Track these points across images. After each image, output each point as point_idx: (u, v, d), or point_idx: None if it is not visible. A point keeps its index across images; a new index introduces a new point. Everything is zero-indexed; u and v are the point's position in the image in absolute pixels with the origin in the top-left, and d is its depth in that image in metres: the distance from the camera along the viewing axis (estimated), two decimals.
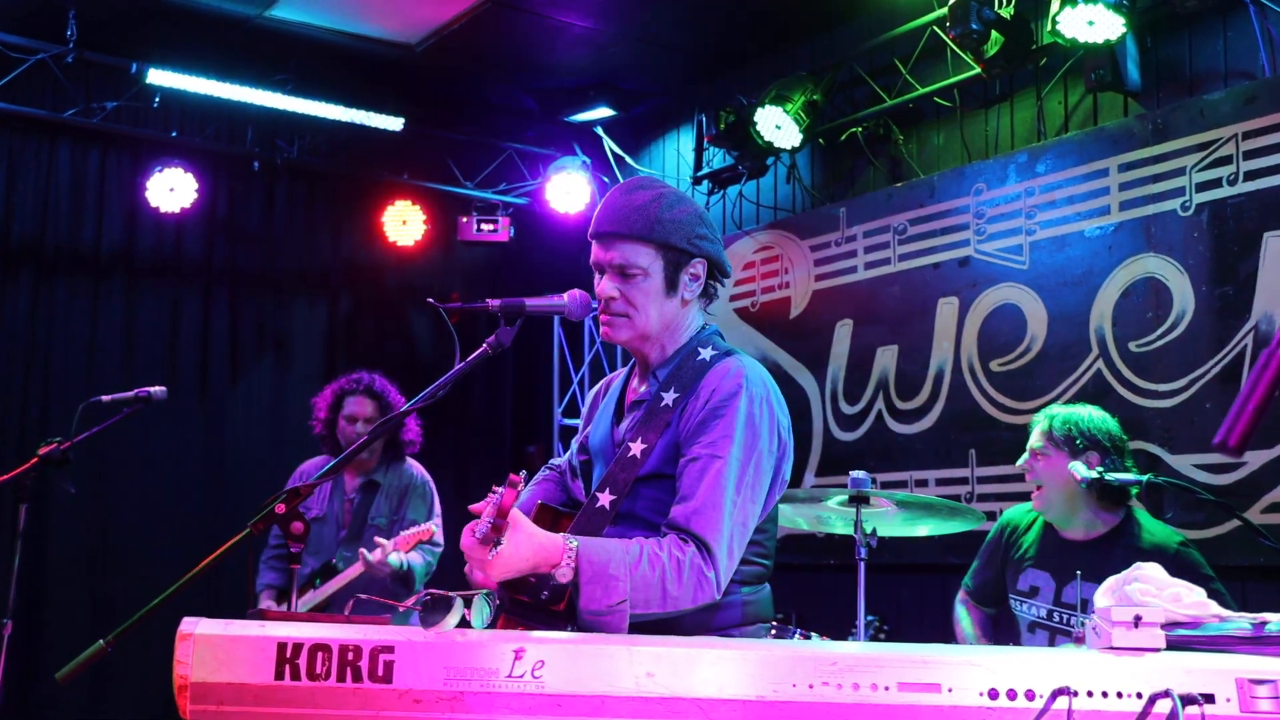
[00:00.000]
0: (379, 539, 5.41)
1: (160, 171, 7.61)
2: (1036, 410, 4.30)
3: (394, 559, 5.35)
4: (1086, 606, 3.91)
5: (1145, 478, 3.54)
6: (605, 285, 2.72)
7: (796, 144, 7.01)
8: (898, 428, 6.72)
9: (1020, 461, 4.18)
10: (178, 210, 7.69)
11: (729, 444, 2.55)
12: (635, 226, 2.69)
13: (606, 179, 8.63)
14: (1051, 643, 4.02)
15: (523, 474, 2.29)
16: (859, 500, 4.21)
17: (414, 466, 5.87)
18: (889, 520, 4.37)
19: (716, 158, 7.95)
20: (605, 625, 2.37)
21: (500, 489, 2.26)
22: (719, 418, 2.57)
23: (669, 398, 2.67)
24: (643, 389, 2.80)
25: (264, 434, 8.14)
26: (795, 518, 4.54)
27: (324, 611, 5.33)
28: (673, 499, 2.56)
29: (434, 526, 5.55)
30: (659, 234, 2.68)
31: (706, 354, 2.73)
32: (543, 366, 9.09)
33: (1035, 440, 4.13)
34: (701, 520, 2.49)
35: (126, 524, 7.67)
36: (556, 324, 8.83)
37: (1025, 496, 4.30)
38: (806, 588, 6.81)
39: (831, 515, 4.43)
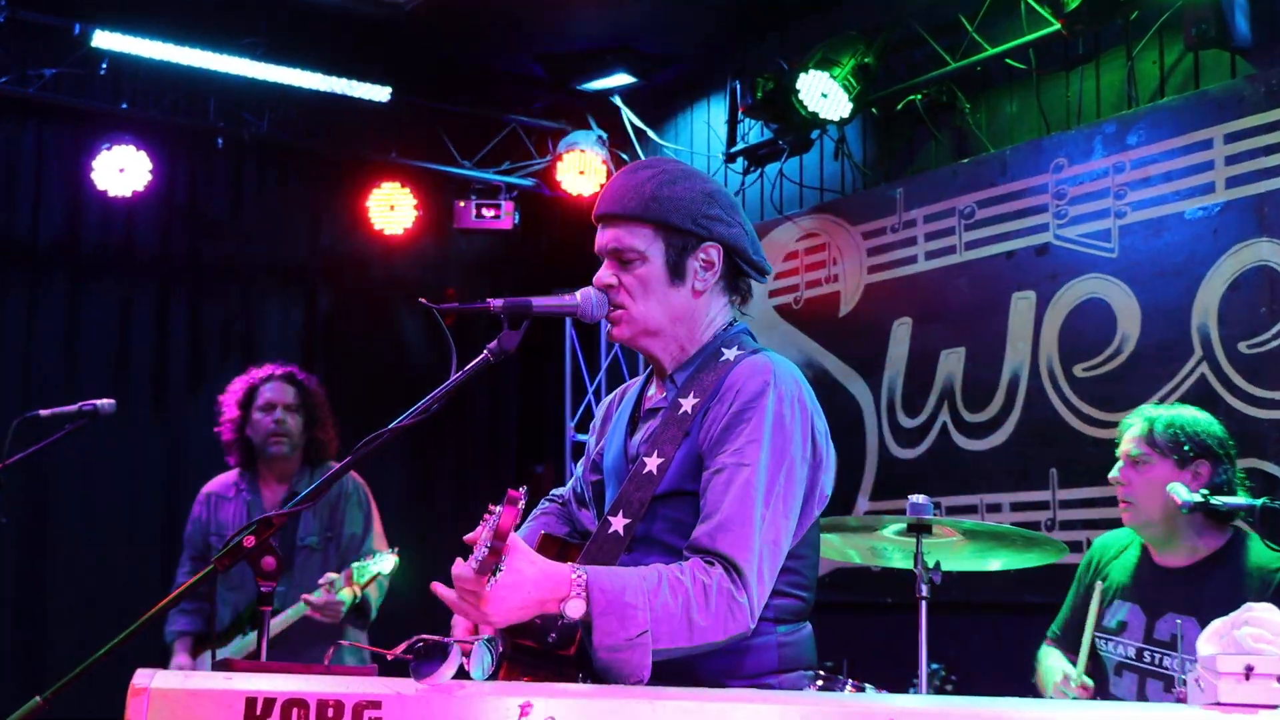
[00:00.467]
0: (330, 576, 5.37)
1: (108, 149, 7.63)
2: None
3: (345, 594, 5.34)
4: (1180, 644, 3.90)
5: (1259, 502, 3.50)
6: (603, 272, 2.78)
7: (845, 115, 7.00)
8: (965, 444, 6.70)
9: (1114, 473, 4.15)
10: (129, 194, 7.70)
11: (756, 449, 2.57)
12: (630, 205, 2.75)
13: (626, 156, 8.63)
14: (1142, 688, 4.01)
15: (524, 490, 2.29)
16: (920, 529, 4.17)
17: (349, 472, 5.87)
18: (955, 552, 4.36)
19: (753, 131, 7.95)
20: (625, 663, 2.37)
21: (498, 508, 2.26)
22: (744, 421, 2.60)
23: (688, 404, 2.70)
24: (659, 396, 2.83)
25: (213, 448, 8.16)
26: (846, 549, 4.53)
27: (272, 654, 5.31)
28: (695, 520, 2.57)
29: (395, 557, 5.54)
30: (654, 212, 2.73)
31: (731, 354, 2.75)
32: (553, 375, 9.10)
33: (1132, 446, 4.10)
34: (729, 538, 2.50)
35: (68, 559, 7.69)
36: (569, 326, 8.81)
37: (1116, 523, 4.28)
38: (859, 631, 6.78)
39: (888, 546, 4.42)
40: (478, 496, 8.97)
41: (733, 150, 8.03)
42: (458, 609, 2.41)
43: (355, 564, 5.44)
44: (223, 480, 5.84)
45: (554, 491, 3.22)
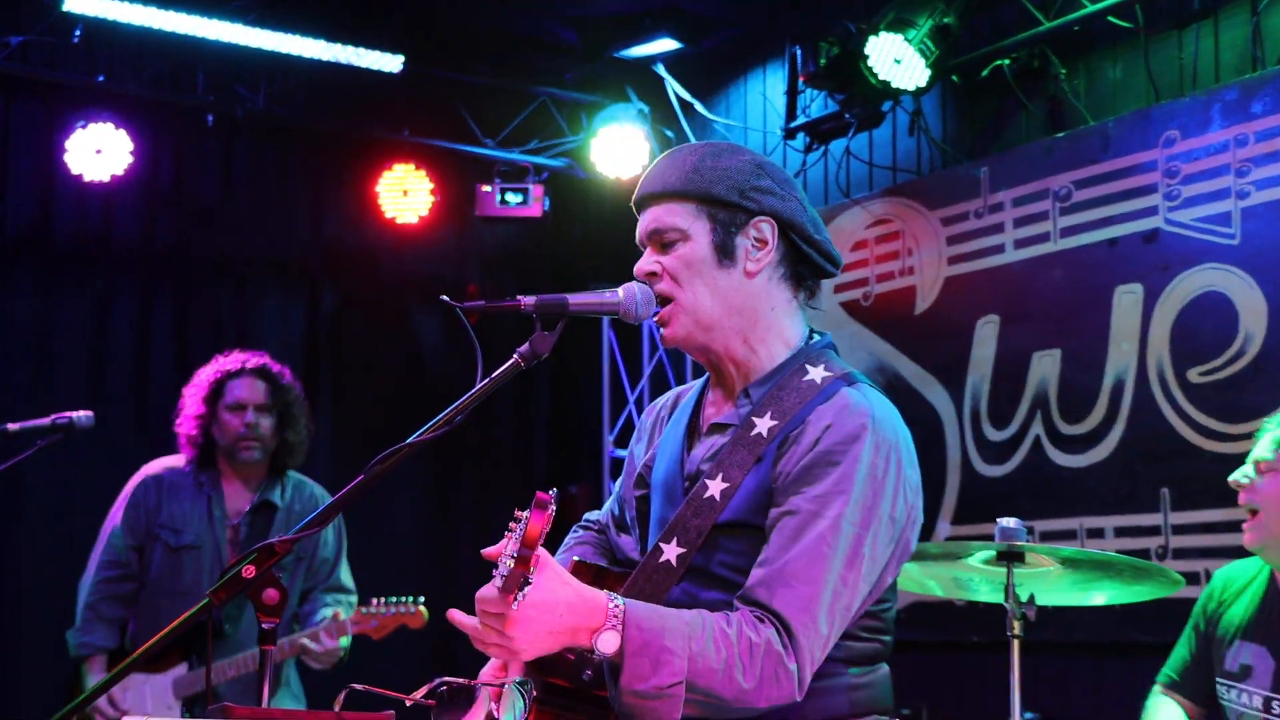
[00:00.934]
0: (326, 619, 5.43)
1: (83, 128, 7.69)
2: (1252, 436, 4.26)
3: (346, 641, 5.44)
4: None
5: None
6: (643, 260, 2.81)
7: (922, 84, 6.99)
8: (1062, 459, 6.69)
9: (1237, 475, 4.12)
10: (107, 179, 7.76)
11: (841, 502, 2.57)
12: (669, 180, 2.79)
13: (670, 133, 8.62)
14: None
15: (554, 493, 2.30)
16: (1010, 557, 4.15)
17: (309, 482, 5.89)
18: (1052, 584, 4.33)
19: (815, 103, 7.94)
20: (650, 713, 2.40)
21: (524, 514, 2.26)
22: (831, 465, 2.60)
23: (763, 425, 2.70)
24: (727, 410, 2.83)
25: None
26: (926, 581, 4.51)
27: (214, 700, 5.36)
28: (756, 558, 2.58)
29: (423, 610, 5.61)
30: (695, 184, 2.76)
31: (817, 374, 2.75)
32: (589, 383, 9.13)
33: (1265, 449, 4.08)
34: (788, 595, 2.52)
35: (41, 589, 7.72)
36: (607, 327, 8.87)
37: (1239, 551, 4.27)
38: (941, 673, 6.79)
39: (974, 577, 4.38)
40: (503, 521, 8.94)
41: (792, 125, 8.01)
42: (479, 639, 2.43)
43: (366, 609, 5.52)
44: (171, 465, 5.79)
45: (587, 516, 3.23)
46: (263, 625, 2.54)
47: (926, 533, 6.95)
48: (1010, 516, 4.19)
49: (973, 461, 7.08)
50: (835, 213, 7.79)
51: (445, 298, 2.71)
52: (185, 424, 5.75)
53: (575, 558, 2.89)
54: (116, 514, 5.73)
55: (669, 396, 3.10)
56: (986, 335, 7.07)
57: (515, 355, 2.63)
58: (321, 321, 8.82)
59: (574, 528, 3.22)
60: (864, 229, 7.69)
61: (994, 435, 7.00)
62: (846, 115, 7.66)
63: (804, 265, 2.84)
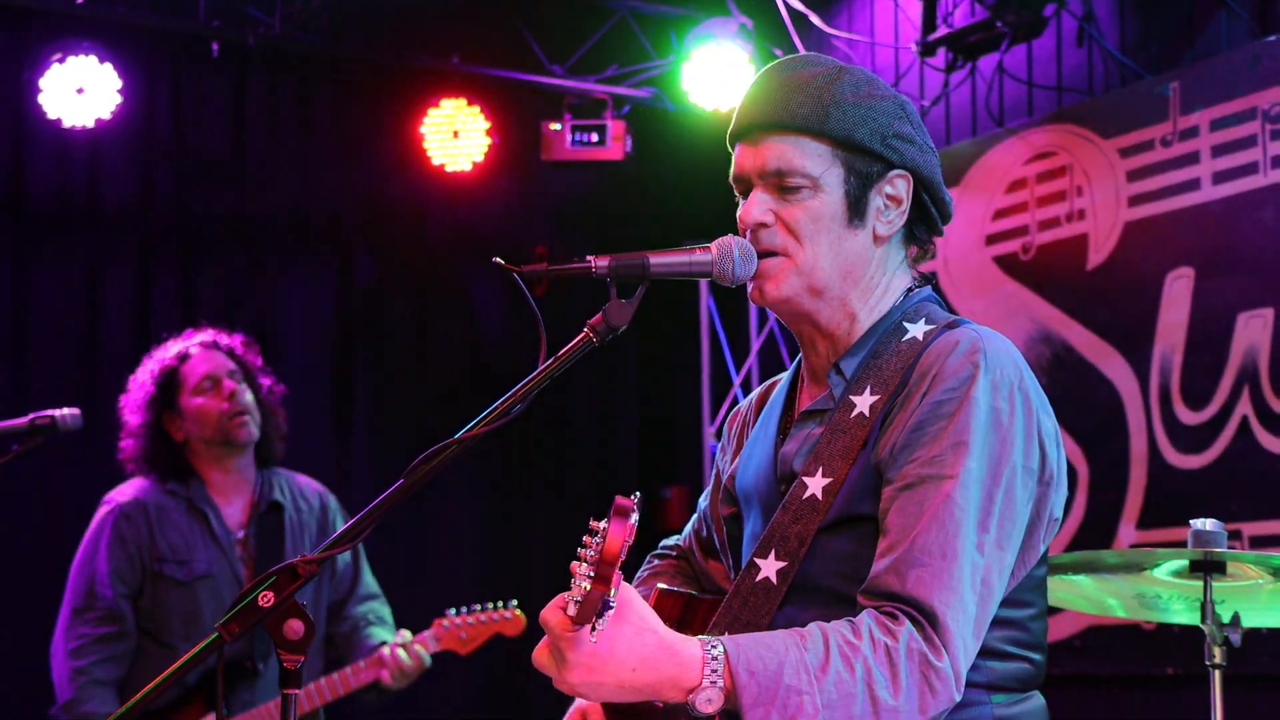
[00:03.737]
0: (393, 644, 5.56)
1: (60, 62, 7.71)
2: None
3: (428, 659, 5.59)
4: None
5: None
6: (752, 208, 2.82)
7: None
8: (1276, 446, 6.64)
9: None
10: (91, 124, 7.81)
11: (961, 456, 2.62)
12: (802, 112, 2.79)
13: (780, 52, 8.56)
14: None
15: (637, 498, 2.33)
16: (1208, 568, 4.12)
17: (295, 475, 5.97)
18: (1262, 601, 4.32)
19: (958, 10, 7.91)
20: None
21: (602, 524, 2.30)
22: (944, 416, 2.64)
23: (864, 403, 2.76)
24: (819, 393, 2.87)
25: None
26: (1103, 598, 4.52)
27: None
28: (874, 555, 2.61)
29: (520, 614, 5.75)
30: (838, 122, 2.79)
31: (918, 330, 2.81)
32: (684, 363, 9.16)
33: None
34: (923, 576, 2.55)
35: (20, 611, 7.80)
36: (705, 292, 8.86)
37: None
38: (1124, 711, 6.78)
39: (1164, 593, 4.36)
40: (579, 533, 8.89)
41: (931, 39, 7.97)
42: (541, 668, 2.46)
43: (449, 620, 5.69)
44: (145, 487, 5.79)
45: (665, 543, 3.28)
46: (283, 662, 2.57)
47: (1104, 539, 7.03)
48: (1208, 518, 4.14)
49: (1162, 450, 7.01)
50: (986, 146, 7.77)
51: (500, 261, 2.72)
52: (135, 438, 5.76)
53: (660, 585, 2.95)
54: (97, 560, 5.69)
55: (756, 393, 3.15)
56: (1178, 293, 7.01)
57: (586, 329, 2.66)
58: (356, 295, 8.89)
59: (648, 557, 3.26)
60: (1022, 165, 7.65)
61: (1188, 418, 6.93)
62: (998, 24, 7.59)
63: (923, 224, 2.91)
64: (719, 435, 8.69)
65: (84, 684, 5.60)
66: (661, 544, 3.27)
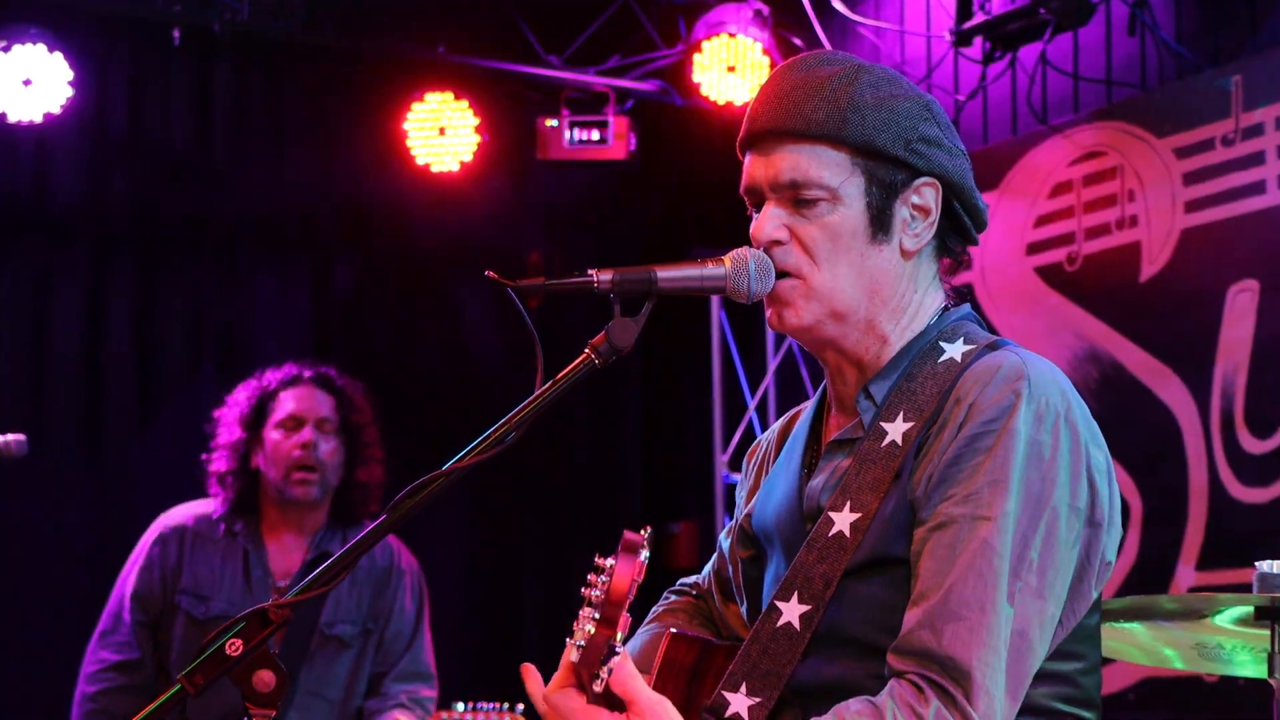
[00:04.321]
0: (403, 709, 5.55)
1: (6, 51, 7.70)
2: None
3: None
4: None
5: None
6: (765, 223, 2.83)
7: None
8: None
9: None
10: (40, 119, 7.81)
11: (1001, 496, 2.63)
12: (816, 116, 2.80)
13: (800, 41, 8.61)
14: None
15: (647, 533, 2.41)
16: (1277, 615, 4.06)
17: (391, 540, 5.85)
18: None
19: None
20: None
21: (608, 561, 2.36)
22: (981, 451, 2.67)
23: (895, 431, 2.77)
24: (848, 421, 2.90)
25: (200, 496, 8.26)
26: (1160, 647, 4.54)
27: None
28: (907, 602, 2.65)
29: None
30: (856, 127, 2.79)
31: (955, 351, 2.83)
32: (695, 387, 9.20)
33: None
34: (959, 633, 2.57)
35: None
36: (717, 308, 8.89)
37: None
38: None
39: (1227, 643, 4.37)
40: (581, 573, 8.91)
41: (966, 27, 7.95)
42: None
43: (449, 717, 5.55)
44: (197, 513, 5.83)
45: (683, 581, 3.31)
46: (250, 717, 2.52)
47: (1160, 582, 7.04)
48: (1276, 559, 4.14)
49: (1224, 483, 6.98)
50: (1027, 145, 7.80)
51: (492, 273, 2.70)
52: (217, 457, 5.79)
53: (672, 630, 2.91)
54: (128, 580, 5.77)
55: (778, 424, 3.15)
56: (1241, 308, 6.98)
57: (587, 349, 2.67)
58: (333, 306, 8.96)
59: (665, 593, 3.29)
60: (1067, 166, 7.65)
61: (1254, 447, 6.90)
62: (1041, 10, 7.57)
63: (955, 234, 2.95)
64: (732, 464, 8.80)
65: (90, 712, 5.71)
66: (679, 582, 3.29)
